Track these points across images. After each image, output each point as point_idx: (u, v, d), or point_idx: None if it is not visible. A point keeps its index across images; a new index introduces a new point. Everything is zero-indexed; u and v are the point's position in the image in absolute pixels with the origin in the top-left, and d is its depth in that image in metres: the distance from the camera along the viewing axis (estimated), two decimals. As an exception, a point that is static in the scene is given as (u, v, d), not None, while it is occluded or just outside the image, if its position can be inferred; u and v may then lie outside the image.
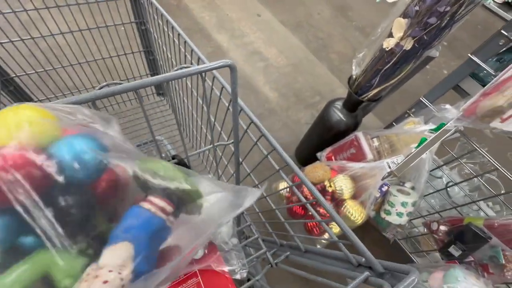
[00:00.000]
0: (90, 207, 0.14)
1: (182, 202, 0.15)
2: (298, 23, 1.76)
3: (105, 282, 0.11)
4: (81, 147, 0.14)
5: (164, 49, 0.65)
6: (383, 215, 0.79)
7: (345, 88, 1.48)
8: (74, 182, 0.14)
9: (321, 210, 0.78)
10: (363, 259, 0.29)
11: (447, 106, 0.66)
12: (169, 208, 0.14)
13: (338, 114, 0.92)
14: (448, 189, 0.91)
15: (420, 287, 0.22)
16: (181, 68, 0.28)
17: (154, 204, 0.14)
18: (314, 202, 0.79)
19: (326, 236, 0.79)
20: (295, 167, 0.32)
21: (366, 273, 0.25)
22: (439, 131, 0.58)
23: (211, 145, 0.43)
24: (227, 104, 0.44)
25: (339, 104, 0.94)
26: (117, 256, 0.12)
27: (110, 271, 0.12)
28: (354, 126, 0.93)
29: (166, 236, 0.15)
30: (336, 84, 1.50)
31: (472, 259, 0.71)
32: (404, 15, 0.64)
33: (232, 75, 0.30)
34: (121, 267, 0.12)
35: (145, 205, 0.14)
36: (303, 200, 0.36)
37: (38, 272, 0.12)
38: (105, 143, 0.15)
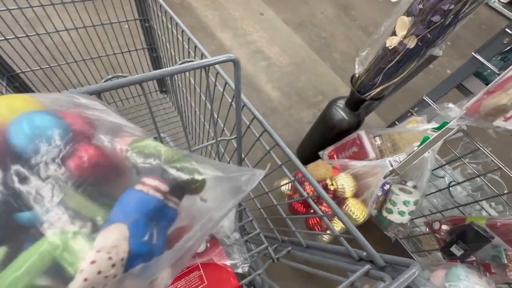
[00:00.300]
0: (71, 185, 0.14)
1: (180, 181, 0.15)
2: (301, 22, 1.76)
3: (93, 262, 0.11)
4: (44, 122, 0.14)
5: (168, 46, 0.65)
6: (384, 213, 0.79)
7: (347, 87, 1.47)
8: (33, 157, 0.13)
9: (323, 208, 0.78)
10: (364, 253, 0.29)
11: (450, 105, 0.66)
12: (163, 186, 0.14)
13: (341, 113, 0.92)
14: (450, 188, 0.91)
15: (421, 280, 0.23)
16: (185, 62, 0.28)
17: (147, 185, 0.14)
18: (316, 200, 0.80)
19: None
20: (298, 162, 0.32)
21: (367, 266, 0.26)
22: (442, 130, 0.57)
23: (214, 140, 0.44)
24: (230, 100, 0.44)
25: (341, 103, 0.93)
26: (108, 238, 0.12)
27: (98, 251, 0.12)
28: (356, 125, 0.93)
29: (172, 217, 0.15)
30: (338, 83, 1.50)
31: (474, 258, 0.71)
32: (408, 13, 0.64)
33: (236, 69, 0.30)
34: (112, 248, 0.12)
35: (138, 186, 0.14)
36: (305, 195, 0.36)
37: (46, 260, 0.12)
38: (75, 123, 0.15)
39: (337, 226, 0.79)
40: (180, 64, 0.27)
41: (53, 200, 0.13)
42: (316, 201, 0.80)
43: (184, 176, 0.15)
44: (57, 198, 0.13)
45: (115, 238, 0.12)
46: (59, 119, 0.14)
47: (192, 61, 0.28)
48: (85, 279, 0.11)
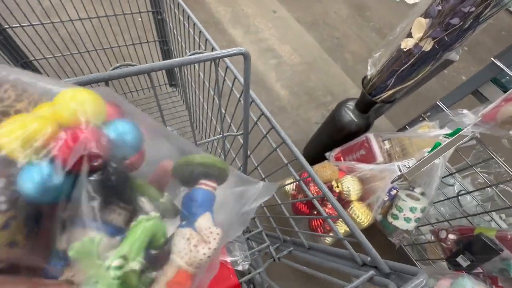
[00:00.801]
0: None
1: (220, 178, 0.21)
2: (313, 21, 1.74)
3: (218, 234, 0.18)
4: (125, 129, 0.17)
5: (179, 39, 0.65)
6: (390, 219, 0.77)
7: (358, 89, 1.45)
8: (118, 159, 0.17)
9: (327, 210, 0.77)
10: (369, 259, 0.28)
11: (465, 111, 0.64)
12: (216, 185, 0.21)
13: (350, 115, 0.91)
14: (459, 197, 0.88)
15: (427, 290, 0.22)
16: (195, 54, 0.28)
17: (209, 185, 0.20)
18: (320, 201, 0.79)
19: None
20: (304, 161, 0.31)
21: (371, 272, 0.25)
22: (455, 136, 0.56)
23: (221, 135, 0.43)
24: (238, 96, 0.43)
25: (351, 105, 0.92)
26: (207, 221, 0.18)
27: (216, 227, 0.18)
28: (365, 128, 0.91)
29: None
30: (349, 84, 1.48)
31: (481, 270, 0.69)
32: (426, 14, 0.62)
33: (246, 63, 0.29)
34: (214, 227, 0.18)
35: (203, 187, 0.20)
36: (310, 195, 0.36)
37: (150, 236, 0.17)
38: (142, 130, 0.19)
39: (341, 229, 0.78)
40: (190, 55, 0.27)
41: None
42: (320, 202, 0.79)
43: (223, 175, 0.21)
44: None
45: (210, 221, 0.18)
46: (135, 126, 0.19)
47: (202, 53, 0.27)
48: (214, 247, 0.17)
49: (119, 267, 0.15)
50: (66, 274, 0.15)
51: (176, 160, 0.20)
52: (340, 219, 0.79)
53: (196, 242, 0.17)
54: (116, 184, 0.16)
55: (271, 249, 0.40)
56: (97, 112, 0.16)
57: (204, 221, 0.18)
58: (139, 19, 0.77)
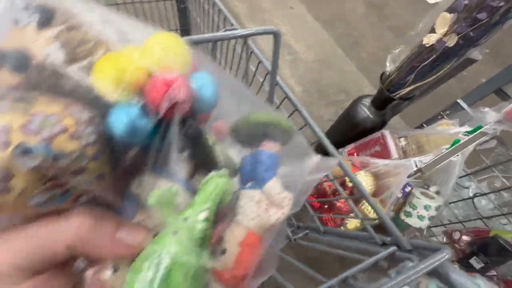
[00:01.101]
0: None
1: (284, 139, 0.20)
2: (331, 18, 1.73)
3: (290, 199, 0.17)
4: (205, 82, 0.16)
5: (202, 27, 0.66)
6: (402, 216, 0.77)
7: (373, 88, 1.43)
8: (198, 112, 0.16)
9: (338, 204, 0.77)
10: (389, 239, 0.29)
11: (486, 109, 0.63)
12: (280, 147, 0.20)
13: (365, 111, 0.90)
14: (474, 200, 0.87)
15: (450, 266, 0.22)
16: (227, 31, 0.29)
17: (274, 148, 0.19)
18: (335, 193, 0.78)
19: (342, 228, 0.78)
20: (326, 141, 0.32)
21: (393, 248, 0.25)
22: (476, 133, 0.55)
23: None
24: (261, 80, 0.44)
25: (367, 101, 0.91)
26: (276, 186, 0.18)
27: (288, 192, 0.18)
28: (381, 125, 0.90)
29: None
30: (364, 83, 1.46)
31: (495, 273, 0.67)
32: (451, 9, 0.61)
33: (276, 42, 0.30)
34: (283, 191, 0.18)
35: (268, 149, 0.19)
36: (331, 177, 0.36)
37: (221, 193, 0.16)
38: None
39: (351, 224, 0.78)
40: (224, 31, 0.28)
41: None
42: (342, 190, 0.78)
43: (287, 136, 0.20)
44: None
45: (280, 186, 0.18)
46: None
47: (234, 29, 0.28)
48: (287, 213, 0.17)
49: (206, 220, 0.15)
50: (138, 217, 0.15)
51: (238, 119, 0.19)
52: (352, 214, 0.78)
53: (266, 206, 0.17)
54: (192, 137, 0.16)
55: (288, 230, 0.41)
56: (185, 61, 0.15)
57: (273, 185, 0.17)
58: (159, 6, 0.79)
